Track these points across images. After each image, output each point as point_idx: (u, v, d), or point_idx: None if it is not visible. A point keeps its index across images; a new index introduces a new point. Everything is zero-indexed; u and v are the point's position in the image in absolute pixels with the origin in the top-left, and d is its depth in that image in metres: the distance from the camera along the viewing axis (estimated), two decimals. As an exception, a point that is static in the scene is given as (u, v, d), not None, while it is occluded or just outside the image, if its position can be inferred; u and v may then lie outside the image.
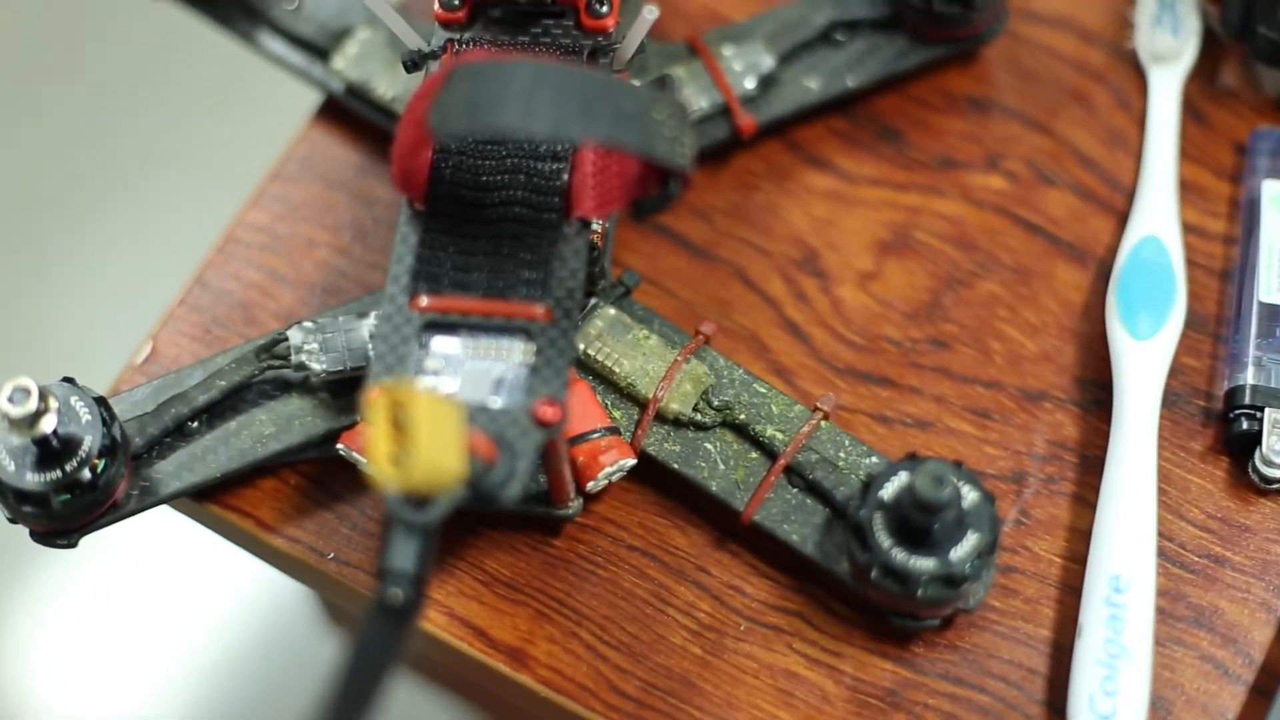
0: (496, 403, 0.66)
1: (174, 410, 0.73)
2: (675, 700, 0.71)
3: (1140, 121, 0.80)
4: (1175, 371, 0.74)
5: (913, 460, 0.68)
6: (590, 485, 0.71)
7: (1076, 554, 0.72)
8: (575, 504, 0.73)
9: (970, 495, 0.67)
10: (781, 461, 0.71)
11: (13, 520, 0.72)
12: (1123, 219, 0.78)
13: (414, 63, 0.73)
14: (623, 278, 0.75)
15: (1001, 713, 0.70)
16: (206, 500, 0.75)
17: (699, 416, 0.72)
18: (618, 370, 0.73)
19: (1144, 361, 0.73)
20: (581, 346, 0.73)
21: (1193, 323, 0.75)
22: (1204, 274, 0.77)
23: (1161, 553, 0.72)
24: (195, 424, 0.73)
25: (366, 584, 0.73)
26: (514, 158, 0.69)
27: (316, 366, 0.73)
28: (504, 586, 0.73)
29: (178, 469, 0.73)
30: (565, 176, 0.69)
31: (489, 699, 1.01)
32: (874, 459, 0.71)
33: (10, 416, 0.68)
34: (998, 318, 0.77)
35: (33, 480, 0.70)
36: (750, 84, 0.79)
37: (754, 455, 0.72)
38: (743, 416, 0.72)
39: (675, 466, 0.72)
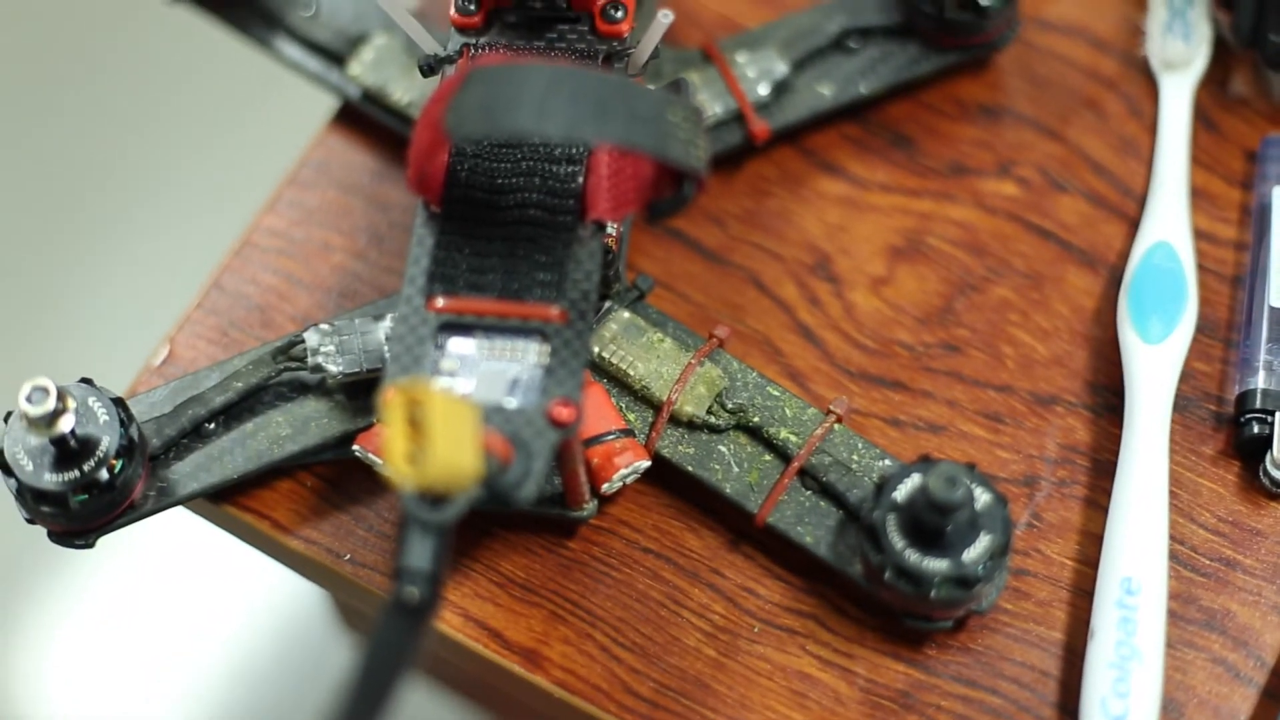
0: (512, 403, 0.66)
1: (191, 411, 0.73)
2: (689, 701, 0.71)
3: (1151, 129, 0.80)
4: (1186, 376, 0.75)
5: (926, 462, 0.69)
6: (605, 487, 0.72)
7: (1088, 557, 0.72)
8: (590, 506, 0.73)
9: (983, 497, 0.68)
10: (795, 464, 0.71)
11: (30, 520, 0.73)
12: (1134, 225, 0.78)
13: (430, 67, 0.73)
14: (637, 282, 0.75)
15: (1014, 715, 0.70)
16: (223, 502, 0.75)
17: (713, 419, 0.73)
18: (632, 373, 0.73)
19: (1156, 365, 0.73)
20: (596, 349, 0.74)
21: (1204, 328, 0.76)
22: (1215, 279, 0.77)
23: (1173, 556, 0.72)
24: (212, 425, 0.74)
25: (382, 585, 0.74)
26: (529, 161, 0.70)
27: (333, 368, 0.73)
28: (519, 588, 0.73)
29: (195, 470, 0.73)
30: (580, 179, 0.69)
31: (503, 705, 1.01)
32: (887, 461, 0.71)
33: (29, 416, 0.68)
34: (1009, 322, 0.77)
35: (51, 480, 0.70)
36: (764, 90, 0.79)
37: (767, 458, 0.72)
38: (756, 419, 0.72)
39: (689, 469, 0.72)
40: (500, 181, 0.69)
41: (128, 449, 0.71)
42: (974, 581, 0.67)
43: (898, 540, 0.67)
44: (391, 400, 0.60)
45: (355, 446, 0.72)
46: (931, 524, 0.67)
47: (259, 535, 0.76)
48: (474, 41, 0.73)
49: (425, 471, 0.60)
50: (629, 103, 0.65)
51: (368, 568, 0.74)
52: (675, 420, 0.73)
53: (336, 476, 0.76)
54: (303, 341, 0.74)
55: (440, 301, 0.68)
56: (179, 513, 0.77)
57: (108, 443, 0.71)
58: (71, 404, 0.69)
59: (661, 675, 0.72)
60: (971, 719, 0.70)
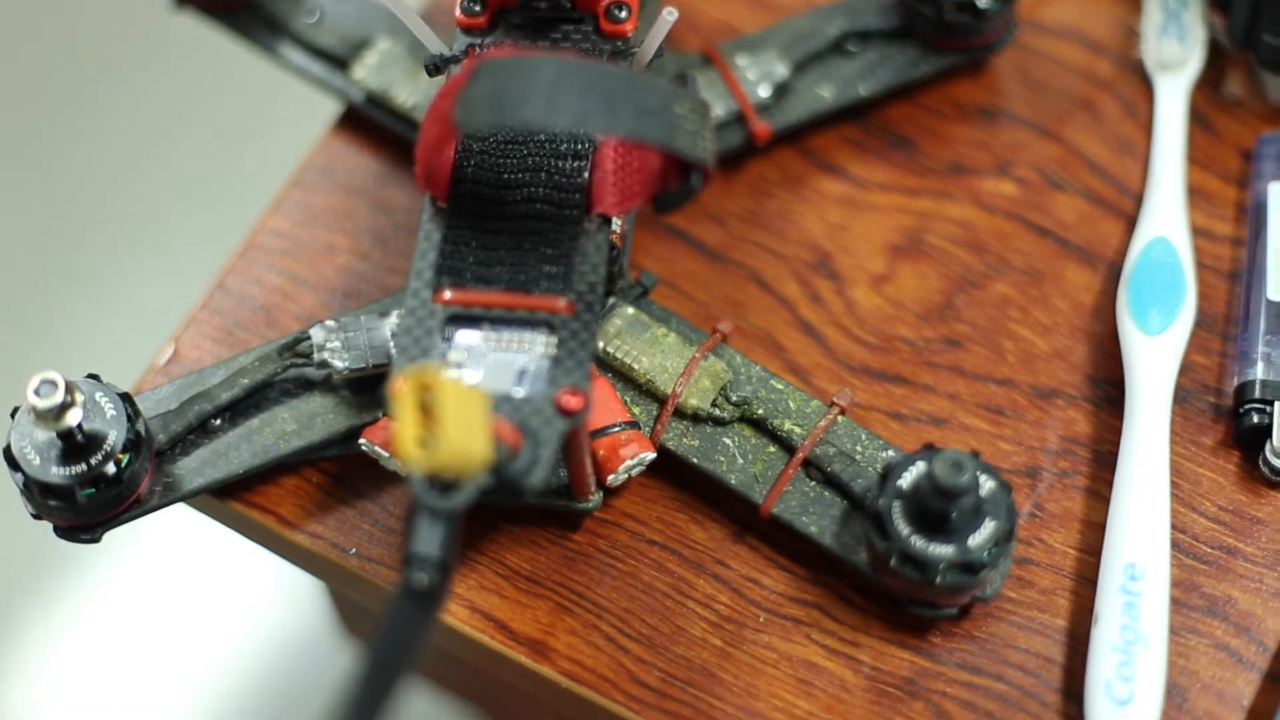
0: (520, 392, 0.67)
1: (197, 407, 0.74)
2: (695, 691, 0.72)
3: (1147, 129, 0.81)
4: (1185, 369, 0.76)
5: (930, 450, 0.69)
6: (610, 479, 0.72)
7: (1091, 546, 0.73)
8: (595, 497, 0.73)
9: (987, 483, 0.68)
10: (800, 454, 0.72)
11: (37, 516, 0.73)
12: (1131, 223, 0.79)
13: (436, 67, 0.74)
14: (641, 278, 0.76)
15: (1019, 700, 0.71)
16: (228, 497, 0.76)
17: (717, 411, 0.73)
18: (637, 367, 0.74)
19: (1156, 355, 0.74)
20: (601, 344, 0.74)
21: (1201, 322, 0.76)
22: (1212, 275, 0.78)
23: (1175, 544, 0.73)
24: (218, 421, 0.74)
25: (388, 579, 0.74)
26: (535, 156, 0.70)
27: (339, 364, 0.74)
28: (525, 580, 0.74)
29: (201, 465, 0.74)
30: (586, 174, 0.70)
31: (505, 707, 1.01)
32: (890, 452, 0.72)
33: (37, 409, 0.68)
34: (1009, 318, 0.78)
35: (58, 474, 0.71)
36: (764, 92, 0.80)
37: (772, 449, 0.73)
38: (760, 411, 0.73)
39: (694, 461, 0.73)
40: (507, 176, 0.70)
41: (134, 443, 0.71)
42: (979, 566, 0.67)
43: (903, 527, 0.68)
44: (403, 385, 0.61)
45: (361, 440, 0.73)
46: (937, 510, 0.67)
47: (264, 531, 0.76)
48: (479, 42, 0.74)
49: (436, 456, 0.60)
50: (637, 95, 0.66)
51: (373, 561, 0.75)
52: (680, 413, 0.73)
53: (341, 472, 0.76)
54: (308, 338, 0.74)
55: (448, 294, 0.68)
56: (184, 509, 0.77)
57: (115, 437, 0.71)
58: (79, 397, 0.70)
59: (668, 665, 0.72)
60: (977, 705, 0.71)
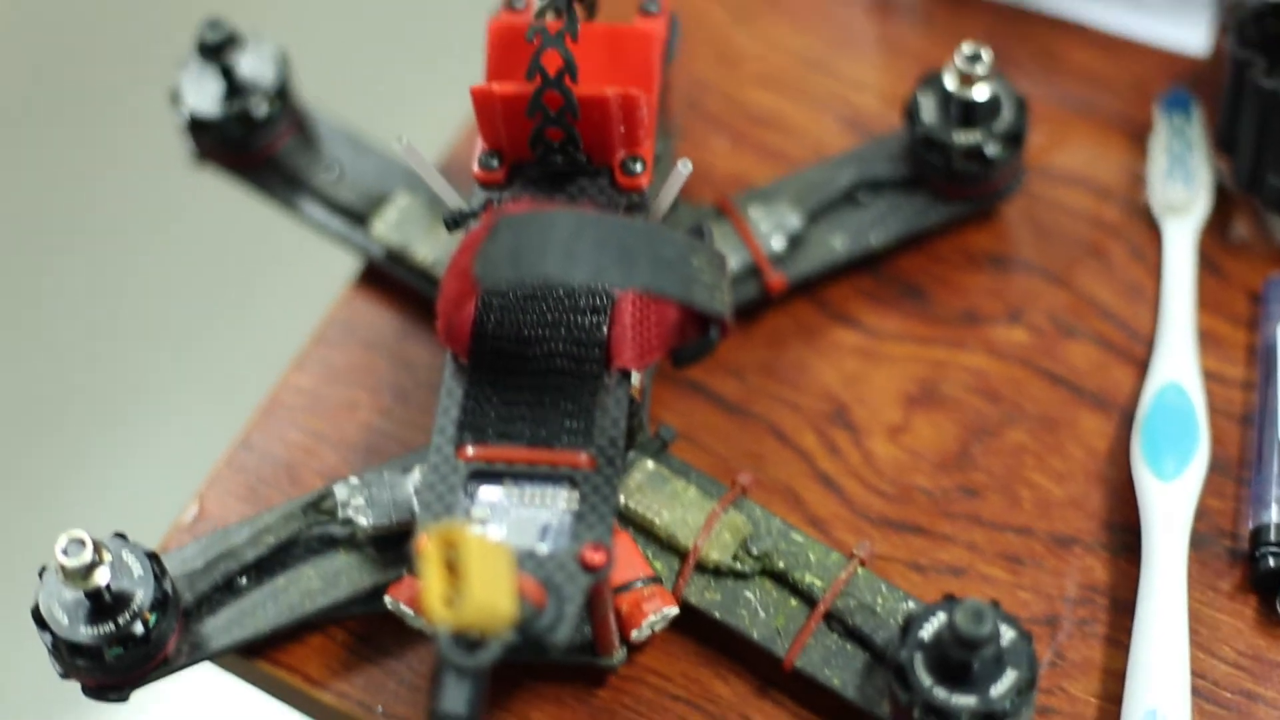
0: (543, 548, 0.67)
1: (223, 566, 0.74)
2: (721, 845, 0.72)
3: (1156, 273, 0.82)
4: (1200, 514, 0.76)
5: (950, 601, 0.70)
6: (634, 634, 0.73)
7: (1111, 694, 0.73)
8: (619, 653, 0.74)
9: (1008, 633, 0.69)
10: (821, 608, 0.72)
11: (64, 675, 0.73)
12: (1143, 367, 0.80)
13: (455, 222, 0.75)
14: (660, 432, 0.77)
15: None
16: (255, 656, 0.76)
17: (738, 565, 0.74)
18: (658, 521, 0.74)
19: (1171, 501, 0.75)
20: (622, 499, 0.75)
21: (1215, 466, 0.77)
22: (1224, 419, 0.79)
23: (1195, 690, 0.73)
24: (244, 579, 0.75)
25: (414, 736, 0.75)
26: (555, 311, 0.71)
27: (363, 521, 0.74)
28: (550, 735, 0.74)
29: (227, 624, 0.74)
30: (605, 329, 0.71)
31: None
32: (911, 603, 0.72)
33: (65, 568, 0.69)
34: (1025, 465, 0.79)
35: (86, 633, 0.71)
36: (778, 244, 0.81)
37: (793, 602, 0.73)
38: (781, 564, 0.73)
39: (716, 615, 0.74)
40: (527, 332, 0.71)
41: (162, 602, 0.72)
42: (1001, 716, 0.68)
43: (925, 678, 0.68)
44: (428, 543, 0.61)
45: (386, 597, 0.73)
46: (959, 660, 0.68)
47: (291, 690, 0.77)
48: (497, 197, 0.75)
49: (462, 614, 0.61)
50: (654, 248, 0.67)
51: (401, 719, 0.75)
52: (701, 567, 0.74)
53: (367, 630, 0.77)
54: (332, 495, 0.75)
55: (470, 450, 0.69)
56: (210, 667, 0.77)
57: (142, 596, 0.72)
58: (107, 556, 0.70)
59: (694, 819, 0.73)
60: None
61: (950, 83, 0.81)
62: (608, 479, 0.69)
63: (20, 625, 0.78)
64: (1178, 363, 0.78)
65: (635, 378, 0.74)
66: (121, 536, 0.73)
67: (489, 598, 0.61)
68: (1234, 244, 0.83)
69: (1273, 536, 0.74)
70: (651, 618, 0.72)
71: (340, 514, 0.75)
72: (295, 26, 1.66)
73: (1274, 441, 0.76)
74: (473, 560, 0.61)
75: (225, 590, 0.75)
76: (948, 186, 0.82)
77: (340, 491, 0.75)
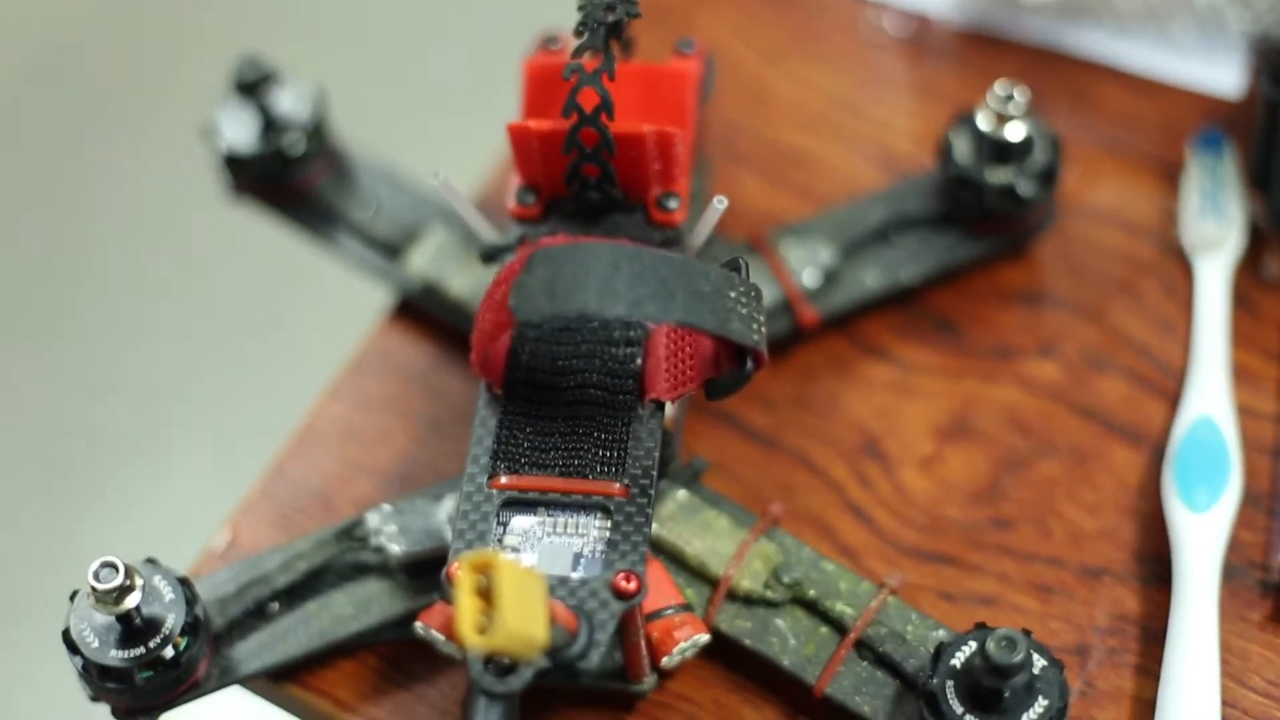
0: (576, 576, 0.68)
1: (254, 591, 0.75)
2: None
3: (1188, 309, 0.82)
4: (1232, 546, 0.76)
5: (981, 630, 0.70)
6: (665, 660, 0.73)
7: (1142, 723, 0.73)
8: (650, 680, 0.74)
9: (1039, 661, 0.69)
10: (852, 635, 0.73)
11: (94, 698, 0.74)
12: (1174, 402, 0.80)
13: (491, 256, 0.76)
14: (692, 462, 0.77)
15: None
16: (285, 681, 0.77)
17: (769, 594, 0.74)
18: (689, 550, 0.75)
19: (1203, 533, 0.75)
20: (654, 527, 0.75)
21: (1247, 499, 0.77)
22: (1257, 452, 0.79)
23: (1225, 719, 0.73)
24: (275, 605, 0.75)
25: (444, 762, 0.75)
26: (589, 343, 0.72)
27: (395, 548, 0.75)
28: (580, 762, 0.75)
29: (258, 648, 0.75)
30: (639, 360, 0.71)
31: None
32: (941, 632, 0.72)
33: (97, 591, 0.70)
34: (1056, 498, 0.79)
35: (116, 657, 0.72)
36: (810, 279, 0.82)
37: (824, 630, 0.73)
38: (812, 593, 0.74)
39: (747, 642, 0.74)
40: (561, 364, 0.71)
41: (193, 627, 0.72)
42: (1033, 745, 0.68)
43: (957, 706, 0.68)
44: (461, 569, 0.62)
45: (417, 623, 0.73)
46: (990, 688, 0.68)
47: (321, 714, 0.77)
48: (533, 232, 0.75)
49: (495, 640, 0.61)
50: (690, 281, 0.67)
51: (430, 744, 0.75)
52: (732, 595, 0.74)
53: (397, 656, 0.77)
54: (364, 523, 0.76)
55: (504, 479, 0.70)
56: (240, 691, 0.78)
57: (173, 620, 0.72)
58: (139, 581, 0.71)
59: (723, 847, 0.73)
60: None
61: (984, 122, 0.81)
62: (640, 508, 0.69)
63: (51, 648, 0.78)
64: (1210, 397, 0.79)
65: (669, 408, 0.74)
66: (153, 561, 0.74)
67: (522, 624, 0.62)
68: (1267, 281, 0.83)
69: (1304, 568, 0.74)
70: (683, 645, 0.72)
71: (372, 541, 0.75)
72: (331, 65, 1.67)
73: (1306, 475, 0.76)
74: (506, 586, 0.62)
75: (256, 615, 0.75)
76: (980, 224, 0.82)
77: (372, 519, 0.76)
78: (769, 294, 0.81)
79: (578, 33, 0.73)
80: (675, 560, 0.75)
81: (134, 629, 0.72)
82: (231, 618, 0.75)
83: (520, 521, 0.70)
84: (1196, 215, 0.83)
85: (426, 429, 0.82)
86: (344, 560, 0.75)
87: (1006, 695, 0.68)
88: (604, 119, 0.72)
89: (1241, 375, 0.81)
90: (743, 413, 0.82)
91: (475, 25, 1.82)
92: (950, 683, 0.69)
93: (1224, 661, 0.74)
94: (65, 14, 1.86)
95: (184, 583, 0.73)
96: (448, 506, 0.75)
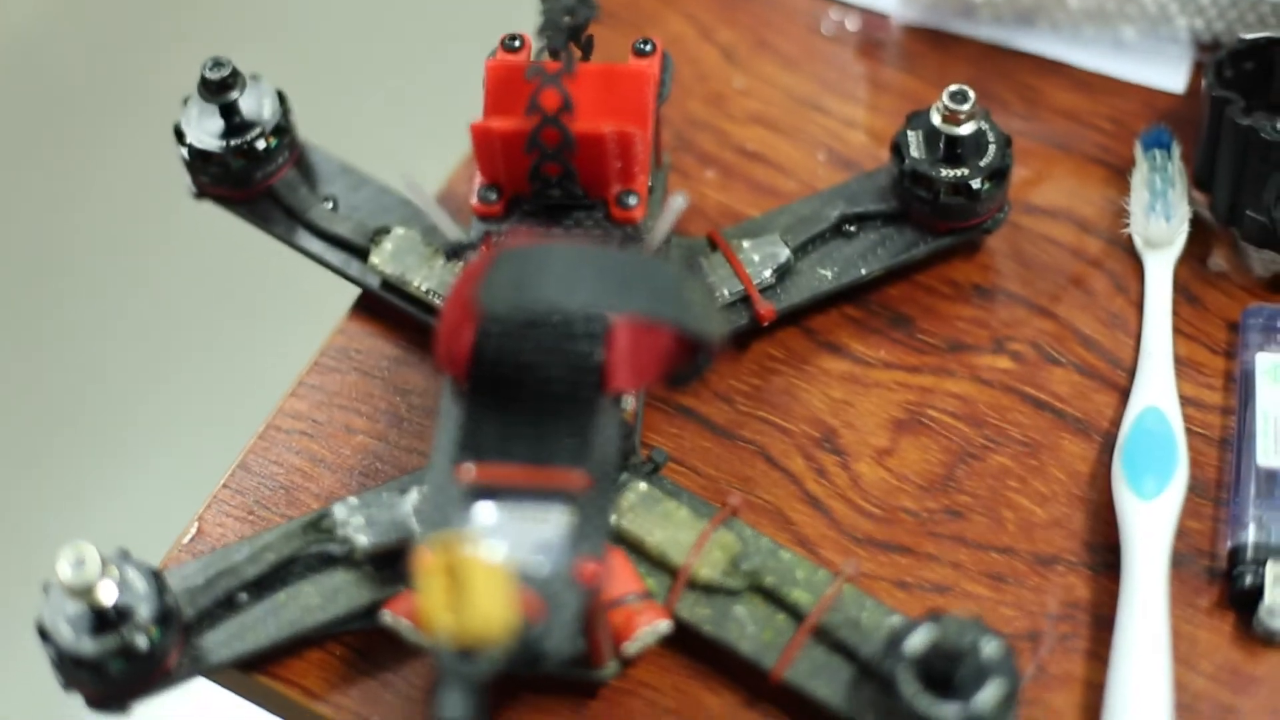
0: (540, 563, 0.69)
1: (224, 583, 0.76)
2: None
3: (1137, 303, 0.84)
4: (1179, 534, 0.78)
5: (934, 615, 0.71)
6: (627, 647, 0.74)
7: (1092, 706, 0.75)
8: (612, 666, 0.75)
9: (989, 644, 0.70)
10: (809, 622, 0.74)
11: (67, 687, 0.75)
12: (1124, 394, 0.82)
13: (455, 253, 0.77)
14: (652, 455, 0.79)
15: None
16: (253, 671, 0.78)
17: (728, 582, 0.75)
18: (650, 540, 0.76)
19: (1151, 520, 0.76)
20: (615, 519, 0.76)
21: (1193, 488, 0.79)
22: (1202, 442, 0.81)
23: (1175, 703, 0.75)
24: (244, 596, 0.76)
25: (410, 748, 0.76)
26: (551, 337, 0.73)
27: (362, 540, 0.76)
28: (543, 748, 0.76)
29: (227, 638, 0.76)
30: (600, 354, 0.72)
31: None
32: (896, 618, 0.74)
33: (70, 582, 0.71)
34: (1009, 488, 0.81)
35: (89, 646, 0.73)
36: (768, 274, 0.83)
37: (781, 618, 0.75)
38: (770, 581, 0.75)
39: (707, 630, 0.75)
40: (525, 358, 0.73)
41: (164, 617, 0.73)
42: (985, 727, 0.69)
43: (910, 688, 0.70)
44: (430, 554, 0.63)
45: (384, 611, 0.75)
46: (943, 672, 0.69)
47: (289, 704, 0.78)
48: (496, 229, 0.77)
49: (463, 624, 0.63)
50: (650, 277, 0.69)
51: (396, 731, 0.77)
52: (692, 584, 0.76)
53: (364, 645, 0.78)
54: (331, 515, 0.77)
55: (468, 468, 0.71)
56: (206, 687, 0.79)
57: (145, 610, 0.73)
58: (113, 571, 0.72)
59: (684, 830, 0.74)
60: None
61: (937, 120, 0.83)
62: (603, 495, 0.70)
63: (24, 638, 0.79)
64: (1157, 388, 0.80)
65: (628, 401, 0.76)
66: (124, 553, 0.75)
67: (488, 609, 0.63)
68: (1212, 275, 0.85)
69: (1249, 555, 0.76)
70: (644, 629, 0.74)
71: (339, 533, 0.76)
72: (295, 63, 1.69)
73: (1251, 464, 0.78)
74: (472, 571, 0.63)
75: (225, 606, 0.76)
76: (934, 220, 0.84)
77: (339, 511, 0.77)
78: (727, 289, 0.83)
79: (539, 34, 0.74)
80: (636, 550, 0.76)
81: (106, 618, 0.73)
82: (201, 608, 0.76)
83: (485, 509, 0.71)
84: (1146, 213, 0.85)
85: (389, 424, 0.84)
86: (311, 551, 0.77)
87: (959, 678, 0.70)
88: (565, 119, 0.74)
89: (1189, 367, 0.83)
90: (701, 406, 0.83)
91: (439, 26, 1.83)
92: (904, 666, 0.70)
93: (1173, 646, 0.76)
94: (35, 10, 1.87)
95: (155, 574, 0.74)
96: (414, 498, 0.77)
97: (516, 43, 0.80)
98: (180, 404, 1.61)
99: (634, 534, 0.76)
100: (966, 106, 0.82)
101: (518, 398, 0.72)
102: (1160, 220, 0.85)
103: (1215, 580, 0.77)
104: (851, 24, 0.95)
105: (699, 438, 0.83)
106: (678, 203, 0.73)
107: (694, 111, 0.92)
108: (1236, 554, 0.76)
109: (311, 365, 0.86)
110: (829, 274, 0.84)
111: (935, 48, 0.94)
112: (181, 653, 0.75)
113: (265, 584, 0.77)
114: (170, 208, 1.55)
